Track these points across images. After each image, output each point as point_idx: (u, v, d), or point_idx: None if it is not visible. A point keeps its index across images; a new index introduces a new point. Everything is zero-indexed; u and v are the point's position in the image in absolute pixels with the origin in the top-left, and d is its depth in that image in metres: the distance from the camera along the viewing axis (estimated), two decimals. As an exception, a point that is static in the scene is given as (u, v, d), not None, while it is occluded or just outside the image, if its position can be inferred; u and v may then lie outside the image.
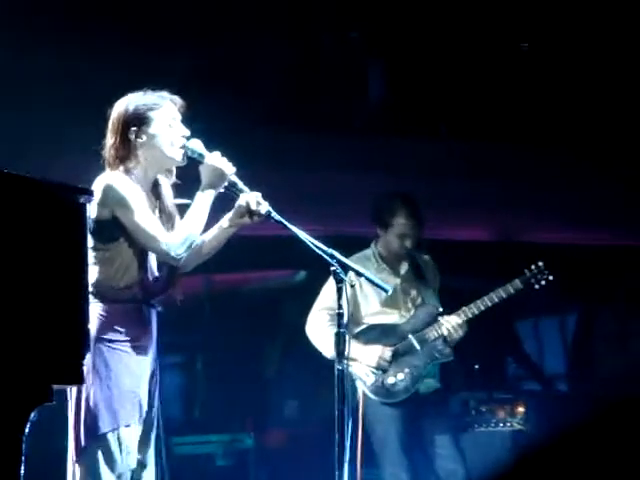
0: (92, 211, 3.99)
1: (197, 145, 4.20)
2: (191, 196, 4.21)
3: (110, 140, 4.17)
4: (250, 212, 4.19)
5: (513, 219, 8.16)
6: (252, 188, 4.27)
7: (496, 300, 5.87)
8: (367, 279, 4.45)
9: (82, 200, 3.33)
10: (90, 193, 3.45)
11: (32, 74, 6.16)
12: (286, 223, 4.16)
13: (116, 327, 4.00)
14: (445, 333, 5.85)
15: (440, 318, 5.89)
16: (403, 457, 5.78)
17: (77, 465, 4.03)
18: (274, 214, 4.19)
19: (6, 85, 6.01)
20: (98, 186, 4.06)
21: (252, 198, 4.19)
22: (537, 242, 8.21)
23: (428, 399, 5.91)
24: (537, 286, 5.97)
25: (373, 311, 5.95)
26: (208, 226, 4.24)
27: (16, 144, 5.90)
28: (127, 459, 4.03)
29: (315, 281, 5.93)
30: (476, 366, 7.52)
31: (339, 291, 4.11)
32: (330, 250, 4.14)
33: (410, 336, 5.88)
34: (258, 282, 8.45)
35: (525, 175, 7.57)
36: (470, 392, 7.19)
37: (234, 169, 4.19)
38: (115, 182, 4.05)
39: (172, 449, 6.84)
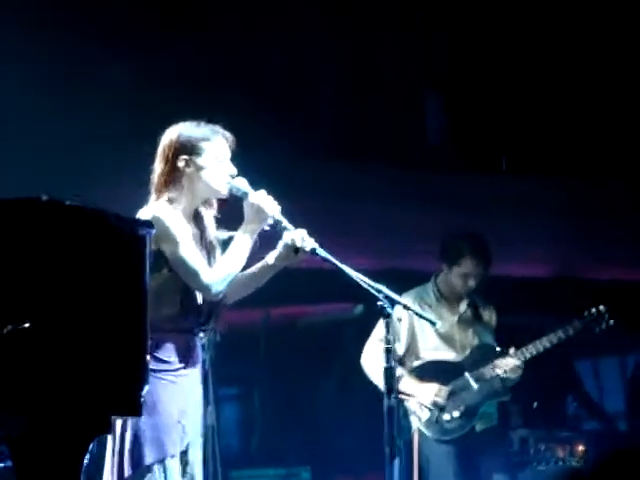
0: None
1: (242, 184, 4.19)
2: (235, 229, 4.22)
3: (159, 166, 4.17)
4: (295, 249, 4.19)
5: (575, 255, 8.09)
6: (307, 221, 4.27)
7: (555, 342, 5.82)
8: (415, 313, 4.44)
9: (143, 232, 3.37)
10: (151, 226, 3.49)
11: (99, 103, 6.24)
12: (332, 259, 4.14)
13: (160, 357, 3.98)
14: (502, 375, 5.81)
15: (497, 360, 5.85)
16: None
17: None
18: (319, 250, 4.17)
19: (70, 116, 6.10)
20: (143, 217, 4.04)
21: (297, 236, 4.17)
22: (598, 279, 8.13)
23: (485, 436, 5.87)
24: (597, 329, 5.91)
25: (430, 346, 5.93)
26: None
27: (77, 173, 5.99)
28: None
29: (373, 314, 5.91)
30: (535, 404, 7.44)
31: (387, 326, 4.10)
32: (377, 285, 4.14)
33: (467, 374, 5.84)
34: (316, 315, 8.45)
35: (589, 209, 7.51)
36: (529, 430, 7.11)
37: (278, 208, 4.17)
38: (161, 214, 4.05)
39: (229, 482, 6.84)
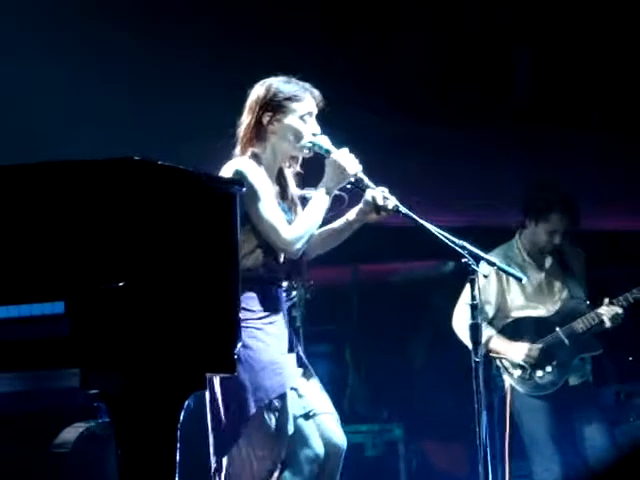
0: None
1: (324, 141, 4.19)
2: (316, 185, 4.22)
3: (245, 121, 4.20)
4: (377, 207, 4.18)
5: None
6: (389, 179, 4.25)
7: None
8: (499, 268, 4.41)
9: (234, 191, 3.39)
10: (241, 184, 3.50)
11: (188, 64, 6.26)
12: (414, 217, 4.13)
13: (246, 307, 3.99)
14: (606, 323, 5.74)
15: (600, 308, 5.78)
16: (554, 449, 5.72)
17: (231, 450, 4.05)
18: (402, 208, 4.16)
19: (160, 76, 6.13)
20: (228, 171, 4.09)
21: (378, 194, 4.17)
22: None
23: (578, 391, 5.83)
24: None
25: (519, 304, 5.89)
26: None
27: (169, 134, 6.03)
28: (284, 427, 4.04)
29: (463, 271, 5.89)
30: (630, 358, 7.36)
31: (471, 283, 4.08)
32: (461, 241, 4.11)
33: (558, 329, 5.80)
34: (406, 272, 8.44)
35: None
36: (623, 385, 7.04)
37: (360, 167, 4.17)
38: (246, 168, 4.08)
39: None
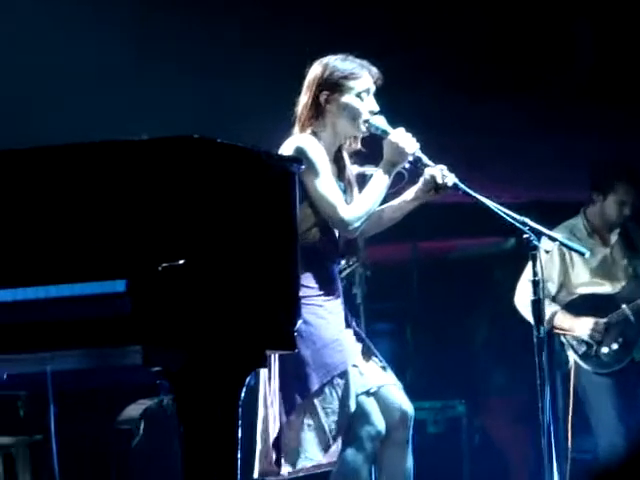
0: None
1: (380, 122, 4.18)
2: (377, 165, 4.21)
3: (303, 99, 4.20)
4: (436, 185, 4.16)
5: None
6: (449, 157, 4.23)
7: None
8: (561, 243, 4.37)
9: (293, 169, 3.39)
10: (300, 162, 3.51)
11: (239, 43, 6.27)
12: (474, 194, 4.12)
13: (305, 283, 3.99)
14: None
15: None
16: (619, 425, 5.69)
17: (290, 424, 4.06)
18: (461, 186, 4.15)
19: (214, 53, 6.15)
20: (289, 148, 4.09)
21: (437, 172, 4.16)
22: None
23: (643, 367, 5.78)
24: None
25: (584, 281, 5.86)
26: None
27: (225, 112, 6.04)
28: (346, 405, 4.04)
29: (524, 248, 5.85)
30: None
31: (533, 258, 4.06)
32: (522, 217, 4.09)
33: (624, 306, 5.75)
34: (466, 249, 8.41)
35: None
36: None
37: (417, 145, 4.15)
38: (307, 145, 4.08)
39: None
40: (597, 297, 5.83)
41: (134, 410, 3.66)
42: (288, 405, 4.06)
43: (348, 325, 4.19)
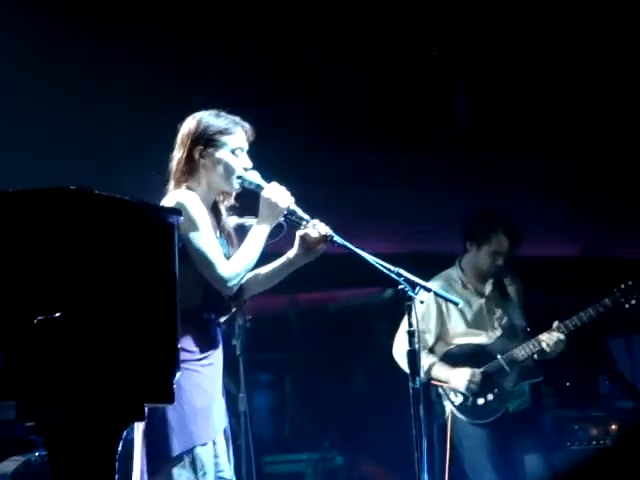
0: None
1: (254, 177, 4.18)
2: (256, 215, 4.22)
3: (177, 155, 4.17)
4: (313, 240, 4.18)
5: (600, 235, 8.05)
6: (334, 205, 4.26)
7: (585, 320, 5.78)
8: (436, 294, 4.42)
9: (172, 220, 3.38)
10: (179, 213, 3.49)
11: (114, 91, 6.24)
12: (348, 245, 4.14)
13: (185, 347, 3.93)
14: (547, 349, 5.77)
15: (540, 335, 5.81)
16: (494, 475, 5.73)
17: None
18: (336, 237, 4.17)
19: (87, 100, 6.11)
20: (169, 203, 4.05)
21: (310, 229, 4.16)
22: (627, 257, 8.09)
23: (518, 417, 5.84)
24: (627, 305, 5.87)
25: (460, 331, 5.92)
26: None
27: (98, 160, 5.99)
28: (204, 479, 3.99)
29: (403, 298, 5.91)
30: (567, 384, 7.44)
31: (408, 309, 4.09)
32: (396, 268, 4.13)
33: (499, 357, 5.83)
34: (345, 300, 8.45)
35: (613, 191, 7.47)
36: (562, 410, 7.09)
37: (291, 199, 4.16)
38: (187, 201, 4.04)
39: (262, 467, 6.86)
40: (473, 347, 5.88)
41: (8, 467, 3.57)
42: (148, 467, 3.97)
43: (238, 389, 4.13)
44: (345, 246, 4.14)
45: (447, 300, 4.53)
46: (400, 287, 4.09)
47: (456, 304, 4.56)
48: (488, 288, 6.00)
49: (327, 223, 4.19)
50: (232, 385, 5.56)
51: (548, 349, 5.77)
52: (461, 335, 5.92)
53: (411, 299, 4.08)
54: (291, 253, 4.24)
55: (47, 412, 3.02)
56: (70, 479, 3.05)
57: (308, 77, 6.81)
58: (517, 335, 5.89)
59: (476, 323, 5.92)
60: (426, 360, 5.79)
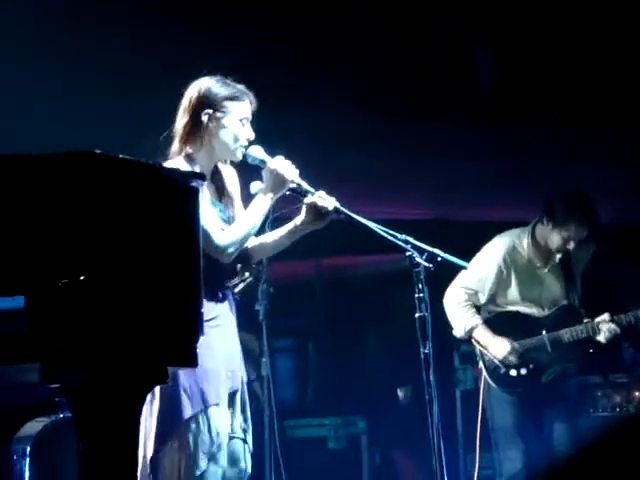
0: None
1: (257, 152, 4.18)
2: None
3: (182, 118, 4.17)
4: (318, 212, 4.18)
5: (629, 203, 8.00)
6: (357, 173, 4.25)
7: None
8: (443, 259, 4.39)
9: (195, 184, 3.39)
10: (203, 178, 3.50)
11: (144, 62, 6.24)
12: (354, 216, 4.15)
13: None
14: (603, 340, 5.73)
15: (600, 323, 5.76)
16: (519, 441, 5.72)
17: (162, 451, 4.00)
18: (342, 209, 4.17)
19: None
20: None
21: (316, 199, 4.16)
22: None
23: (548, 387, 5.82)
24: None
25: (513, 299, 5.86)
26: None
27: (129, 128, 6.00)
28: (217, 439, 4.02)
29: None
30: (590, 350, 7.40)
31: (416, 275, 4.08)
32: (403, 236, 4.12)
33: (544, 333, 5.79)
34: (368, 266, 8.46)
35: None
36: (585, 377, 7.07)
37: (297, 172, 4.16)
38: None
39: (284, 432, 6.90)
40: (521, 317, 5.84)
41: (32, 428, 3.61)
42: (160, 430, 3.99)
43: (261, 354, 4.13)
44: (351, 217, 4.15)
45: (453, 263, 4.46)
46: (407, 254, 4.09)
47: (463, 267, 4.50)
48: (552, 263, 5.89)
49: (357, 189, 4.20)
50: (255, 349, 5.60)
51: (604, 340, 5.73)
52: (513, 303, 5.86)
53: (418, 266, 4.08)
54: (298, 220, 4.25)
55: (72, 375, 3.04)
56: (95, 440, 3.08)
57: (333, 48, 6.79)
58: (569, 316, 5.84)
59: (531, 294, 5.86)
60: (471, 320, 5.79)
